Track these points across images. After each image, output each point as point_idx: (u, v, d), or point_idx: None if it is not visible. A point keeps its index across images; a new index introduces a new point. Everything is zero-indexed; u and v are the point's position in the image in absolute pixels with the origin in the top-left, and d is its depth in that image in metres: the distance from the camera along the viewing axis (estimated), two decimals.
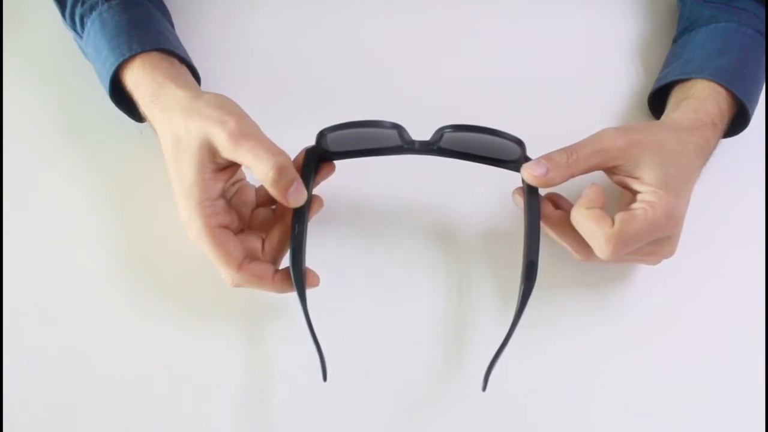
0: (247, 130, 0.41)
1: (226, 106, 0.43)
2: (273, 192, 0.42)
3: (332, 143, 0.44)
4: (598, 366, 0.47)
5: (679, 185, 0.43)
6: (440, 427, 0.46)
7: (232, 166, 0.43)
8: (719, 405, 0.47)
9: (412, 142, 0.44)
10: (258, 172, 0.41)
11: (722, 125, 0.48)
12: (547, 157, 0.43)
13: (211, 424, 0.45)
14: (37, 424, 0.45)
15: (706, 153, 0.47)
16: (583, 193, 0.43)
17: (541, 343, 0.47)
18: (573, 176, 0.43)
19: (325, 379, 0.42)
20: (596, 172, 0.45)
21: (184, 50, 0.50)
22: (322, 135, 0.43)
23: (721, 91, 0.48)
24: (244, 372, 0.46)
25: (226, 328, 0.47)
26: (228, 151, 0.41)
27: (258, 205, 0.47)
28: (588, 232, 0.43)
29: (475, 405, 0.46)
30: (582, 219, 0.43)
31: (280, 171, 0.41)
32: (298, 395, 0.46)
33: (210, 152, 0.42)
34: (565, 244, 0.45)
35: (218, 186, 0.43)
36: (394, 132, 0.43)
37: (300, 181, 0.42)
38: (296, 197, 0.42)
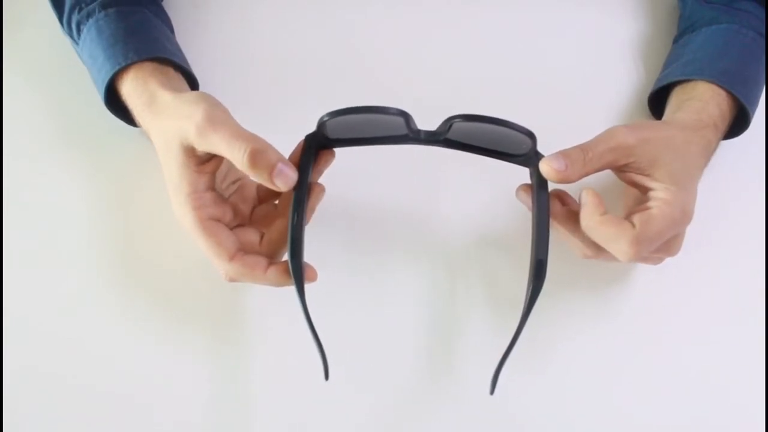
0: (216, 120, 0.40)
1: (197, 100, 0.42)
2: (256, 178, 0.40)
3: (334, 130, 0.43)
4: (602, 366, 0.47)
5: (688, 181, 0.43)
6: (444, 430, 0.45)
7: (215, 157, 0.42)
8: (721, 404, 0.47)
9: (418, 131, 0.43)
10: (234, 161, 0.40)
11: (723, 127, 0.48)
12: (565, 154, 0.42)
13: (209, 424, 0.45)
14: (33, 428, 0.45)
15: (708, 154, 0.47)
16: (583, 202, 0.42)
17: (543, 344, 0.47)
18: (588, 174, 0.42)
19: (327, 377, 0.41)
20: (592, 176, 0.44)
21: (182, 57, 0.50)
22: (324, 121, 0.41)
23: (722, 93, 0.48)
24: (238, 375, 0.46)
25: (225, 328, 0.47)
26: (200, 144, 0.40)
27: (260, 201, 0.46)
28: (607, 237, 0.41)
29: (478, 407, 0.46)
30: (599, 225, 0.41)
31: (254, 155, 0.39)
32: (293, 397, 0.46)
33: (188, 148, 0.41)
34: (572, 242, 0.44)
35: (203, 178, 0.42)
36: (400, 119, 0.41)
37: (285, 162, 0.40)
38: (283, 179, 0.40)
